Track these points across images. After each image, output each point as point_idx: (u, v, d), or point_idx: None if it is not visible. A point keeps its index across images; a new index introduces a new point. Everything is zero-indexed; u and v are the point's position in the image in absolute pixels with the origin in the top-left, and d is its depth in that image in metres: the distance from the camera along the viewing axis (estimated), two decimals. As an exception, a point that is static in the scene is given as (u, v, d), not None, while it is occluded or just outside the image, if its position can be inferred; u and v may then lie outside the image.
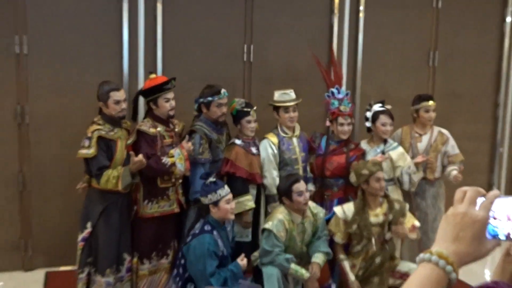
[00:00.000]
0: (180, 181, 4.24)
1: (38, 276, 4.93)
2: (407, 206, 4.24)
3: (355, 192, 4.23)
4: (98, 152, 3.87)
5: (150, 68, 4.97)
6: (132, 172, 3.89)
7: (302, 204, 4.00)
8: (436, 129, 4.82)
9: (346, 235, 4.13)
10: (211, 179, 3.78)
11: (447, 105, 5.81)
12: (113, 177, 3.87)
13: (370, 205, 4.12)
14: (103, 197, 3.96)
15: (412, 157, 4.63)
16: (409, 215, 4.19)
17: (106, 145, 3.92)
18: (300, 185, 4.00)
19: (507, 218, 1.11)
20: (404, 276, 4.13)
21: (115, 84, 4.08)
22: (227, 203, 3.76)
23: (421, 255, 1.07)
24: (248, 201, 4.32)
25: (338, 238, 4.15)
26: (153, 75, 4.25)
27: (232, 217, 3.83)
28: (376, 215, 4.10)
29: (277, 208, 4.13)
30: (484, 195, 1.10)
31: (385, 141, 4.62)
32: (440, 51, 5.96)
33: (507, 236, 1.11)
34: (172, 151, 4.04)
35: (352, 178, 4.26)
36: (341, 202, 4.43)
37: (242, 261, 3.78)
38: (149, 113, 4.20)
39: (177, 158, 4.01)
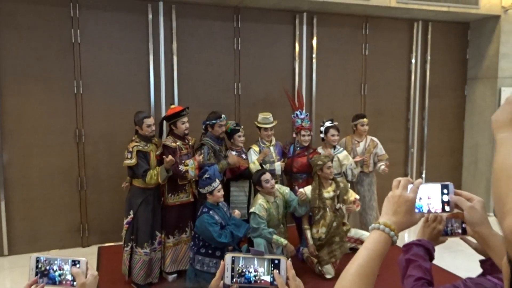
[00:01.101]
0: (194, 179, 4.14)
1: (92, 250, 4.87)
2: (349, 184, 4.29)
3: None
4: (139, 161, 3.84)
5: (170, 100, 4.97)
6: (166, 169, 3.87)
7: (270, 188, 4.01)
8: (369, 137, 4.86)
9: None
10: (206, 175, 3.76)
11: (374, 120, 5.83)
12: (154, 175, 3.85)
13: (323, 185, 4.17)
14: (141, 192, 3.94)
15: (353, 157, 4.67)
16: (351, 191, 4.23)
17: (143, 156, 3.90)
18: (266, 176, 4.01)
19: (427, 197, 1.14)
20: (357, 240, 4.16)
21: (146, 112, 4.04)
22: (218, 191, 3.73)
23: (372, 225, 1.07)
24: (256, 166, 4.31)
25: None
26: (173, 106, 4.23)
27: (222, 199, 3.79)
28: (328, 191, 4.15)
29: (256, 196, 4.14)
30: (412, 183, 1.11)
31: (334, 147, 4.64)
32: (368, 83, 6.01)
33: (428, 210, 1.14)
34: (187, 161, 4.00)
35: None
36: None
37: (235, 213, 3.77)
38: (170, 132, 4.17)
39: (190, 166, 3.97)
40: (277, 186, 4.19)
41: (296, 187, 4.18)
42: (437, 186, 1.14)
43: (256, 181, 4.06)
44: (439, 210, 1.14)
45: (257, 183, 4.05)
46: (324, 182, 4.19)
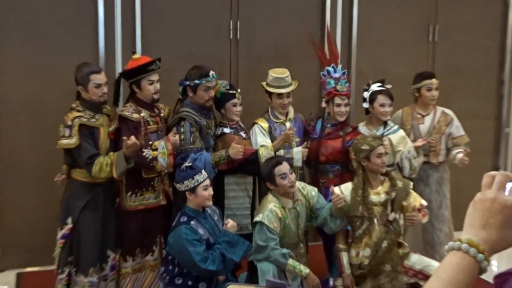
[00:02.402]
0: (167, 170, 4.17)
1: (8, 278, 4.88)
2: (411, 184, 4.26)
3: (353, 179, 4.25)
4: (82, 141, 3.85)
5: (128, 47, 4.94)
6: (126, 157, 3.87)
7: (288, 187, 4.01)
8: (439, 109, 4.86)
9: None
10: (187, 163, 3.75)
11: (448, 82, 5.80)
12: (106, 165, 3.86)
13: (370, 183, 4.16)
14: (85, 189, 3.96)
15: (414, 140, 4.67)
16: (414, 194, 4.21)
17: (89, 133, 3.91)
18: (283, 167, 4.00)
19: None
20: (420, 274, 4.09)
21: (95, 66, 4.05)
22: (204, 189, 3.73)
23: (450, 243, 1.07)
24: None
25: None
26: (136, 55, 4.22)
27: (210, 203, 3.81)
28: (378, 193, 4.14)
29: (265, 197, 4.16)
30: None
31: (384, 124, 4.64)
32: (440, 24, 5.99)
33: None
34: (156, 143, 4.01)
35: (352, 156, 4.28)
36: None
37: (228, 225, 3.80)
38: (132, 97, 4.17)
39: (160, 152, 3.97)
40: (298, 184, 4.20)
41: (332, 187, 4.18)
42: None
43: (267, 175, 4.07)
44: None
45: (269, 178, 4.06)
46: (372, 179, 4.20)
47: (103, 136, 3.99)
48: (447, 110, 4.89)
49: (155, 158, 3.98)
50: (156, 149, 4.00)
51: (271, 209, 4.01)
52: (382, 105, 4.60)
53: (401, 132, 4.66)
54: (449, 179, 4.88)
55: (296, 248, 4.19)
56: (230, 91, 4.46)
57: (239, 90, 4.54)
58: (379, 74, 5.32)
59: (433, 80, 4.82)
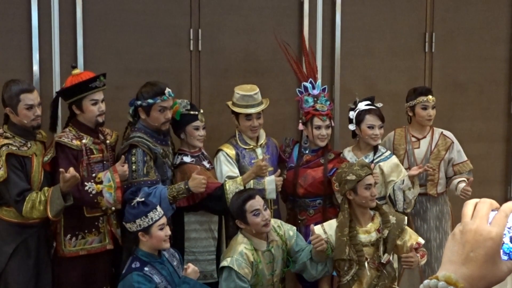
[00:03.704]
0: (114, 208, 4.19)
1: None
2: (406, 219, 4.31)
3: (337, 215, 4.28)
4: (11, 173, 3.85)
5: (68, 60, 4.89)
6: (64, 193, 3.85)
7: (261, 226, 4.01)
8: (438, 131, 4.92)
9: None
10: (139, 198, 3.76)
11: (448, 99, 5.85)
12: (40, 202, 3.85)
13: (358, 219, 4.19)
14: (14, 232, 3.95)
15: (408, 168, 4.71)
16: (409, 231, 4.26)
17: (19, 164, 3.91)
18: (255, 202, 4.01)
19: None
20: None
21: (26, 83, 4.05)
22: (160, 229, 3.73)
23: (426, 282, 1.09)
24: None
25: None
26: (77, 70, 4.24)
27: (167, 245, 3.81)
28: (367, 231, 4.17)
29: (234, 239, 4.16)
30: (497, 209, 1.11)
31: (374, 149, 4.69)
32: (438, 32, 6.02)
33: None
34: (101, 175, 4.01)
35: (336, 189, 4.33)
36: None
37: (188, 269, 3.81)
38: (71, 120, 4.19)
39: (106, 185, 3.96)
40: (273, 222, 4.22)
41: (312, 226, 4.20)
42: None
43: (236, 211, 4.09)
44: None
45: (238, 216, 4.08)
46: (360, 215, 4.23)
47: (36, 168, 4.00)
48: (447, 132, 4.96)
49: (99, 193, 3.98)
50: (100, 182, 4.00)
51: (241, 252, 4.01)
52: (371, 127, 4.64)
53: (394, 159, 4.71)
54: (450, 213, 4.94)
55: (270, 298, 4.21)
56: (191, 112, 4.50)
57: (201, 111, 4.57)
58: (368, 90, 5.37)
59: (429, 97, 4.87)
